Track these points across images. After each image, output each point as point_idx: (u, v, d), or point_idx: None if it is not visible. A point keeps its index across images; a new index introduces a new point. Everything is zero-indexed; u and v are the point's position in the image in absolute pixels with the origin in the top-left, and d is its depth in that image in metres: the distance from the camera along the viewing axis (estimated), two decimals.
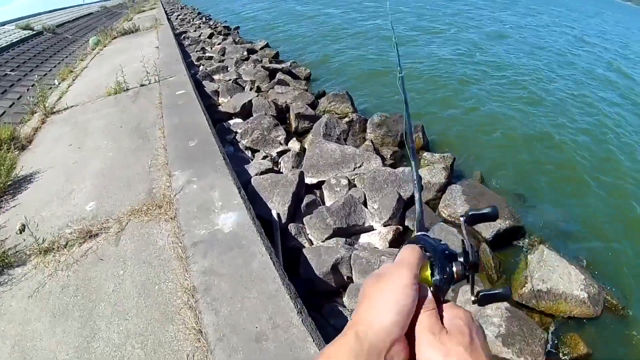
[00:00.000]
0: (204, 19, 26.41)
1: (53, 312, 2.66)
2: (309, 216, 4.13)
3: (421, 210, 0.70)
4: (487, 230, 4.40)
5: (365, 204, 4.54)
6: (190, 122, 5.25)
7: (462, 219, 0.62)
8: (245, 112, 6.94)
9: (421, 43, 14.44)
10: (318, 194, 4.77)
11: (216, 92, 8.07)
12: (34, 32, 18.96)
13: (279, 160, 5.28)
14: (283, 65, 9.47)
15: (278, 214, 4.06)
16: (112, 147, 5.13)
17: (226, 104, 7.28)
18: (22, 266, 3.11)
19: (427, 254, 0.54)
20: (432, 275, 0.52)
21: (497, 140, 7.09)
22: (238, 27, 21.53)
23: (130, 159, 4.68)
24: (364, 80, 10.32)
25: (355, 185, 4.79)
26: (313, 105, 7.22)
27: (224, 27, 20.97)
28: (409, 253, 0.51)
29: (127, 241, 3.22)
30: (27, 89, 9.41)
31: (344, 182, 4.67)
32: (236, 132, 6.19)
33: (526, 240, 4.57)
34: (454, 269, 0.52)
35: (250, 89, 8.32)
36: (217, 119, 6.83)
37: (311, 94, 7.95)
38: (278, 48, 15.02)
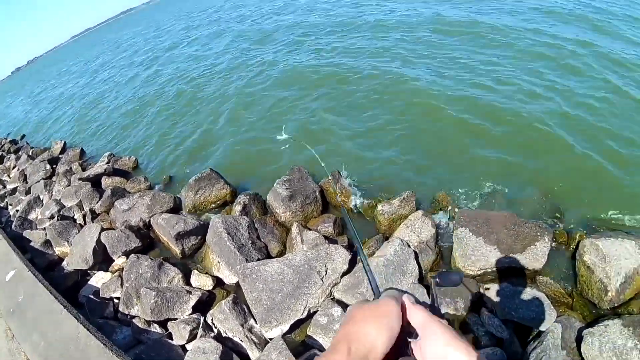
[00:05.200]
0: None
1: None
2: None
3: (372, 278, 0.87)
4: (536, 261, 3.27)
5: None
6: (58, 337, 3.08)
7: (433, 280, 0.83)
8: (100, 258, 4.50)
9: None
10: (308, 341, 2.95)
11: (47, 243, 5.30)
12: None
13: (215, 325, 3.12)
14: (104, 165, 7.13)
15: None
16: None
17: (70, 257, 4.64)
18: None
19: None
20: None
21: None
22: (24, 136, 17.30)
23: None
24: (192, 139, 8.07)
25: (343, 303, 3.15)
26: (175, 208, 5.35)
27: (10, 142, 16.34)
28: (393, 295, 0.71)
29: None
30: None
31: (337, 310, 2.96)
32: (112, 299, 3.77)
33: (559, 247, 3.59)
34: None
35: (84, 217, 5.78)
36: (71, 287, 4.29)
37: (152, 189, 6.10)
38: (72, 140, 12.02)
